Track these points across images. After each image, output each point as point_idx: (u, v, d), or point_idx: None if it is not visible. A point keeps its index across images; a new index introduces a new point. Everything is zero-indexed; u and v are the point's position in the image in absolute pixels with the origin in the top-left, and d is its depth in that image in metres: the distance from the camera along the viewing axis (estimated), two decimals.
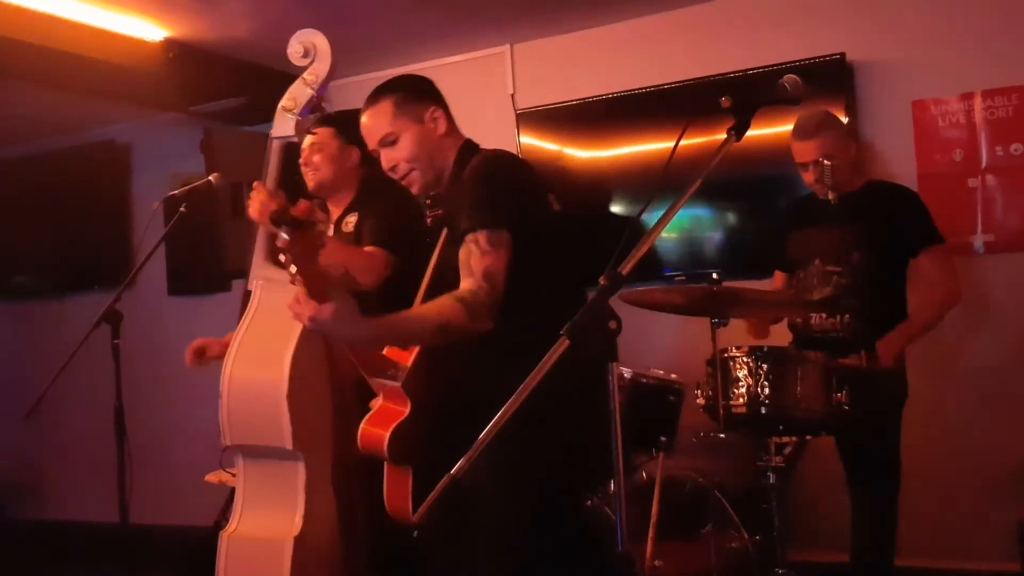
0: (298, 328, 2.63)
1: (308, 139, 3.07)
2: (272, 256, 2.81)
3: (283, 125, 2.75)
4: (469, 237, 1.94)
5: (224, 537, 2.65)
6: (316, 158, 3.04)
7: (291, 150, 2.82)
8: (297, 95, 2.74)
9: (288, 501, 2.62)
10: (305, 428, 2.58)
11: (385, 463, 2.07)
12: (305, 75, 2.73)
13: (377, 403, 2.08)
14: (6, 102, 5.22)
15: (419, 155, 2.20)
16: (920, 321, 3.09)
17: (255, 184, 2.77)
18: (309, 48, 2.72)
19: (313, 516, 2.63)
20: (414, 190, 2.26)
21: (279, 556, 2.55)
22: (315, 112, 2.84)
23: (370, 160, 3.08)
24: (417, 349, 2.07)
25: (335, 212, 3.13)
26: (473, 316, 1.84)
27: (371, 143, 2.25)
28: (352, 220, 3.03)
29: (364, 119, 2.25)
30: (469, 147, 2.25)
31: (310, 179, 3.06)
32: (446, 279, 2.05)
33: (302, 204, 1.68)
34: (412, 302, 3.11)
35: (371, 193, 3.05)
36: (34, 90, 4.89)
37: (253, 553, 2.62)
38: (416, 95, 2.25)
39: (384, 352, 2.08)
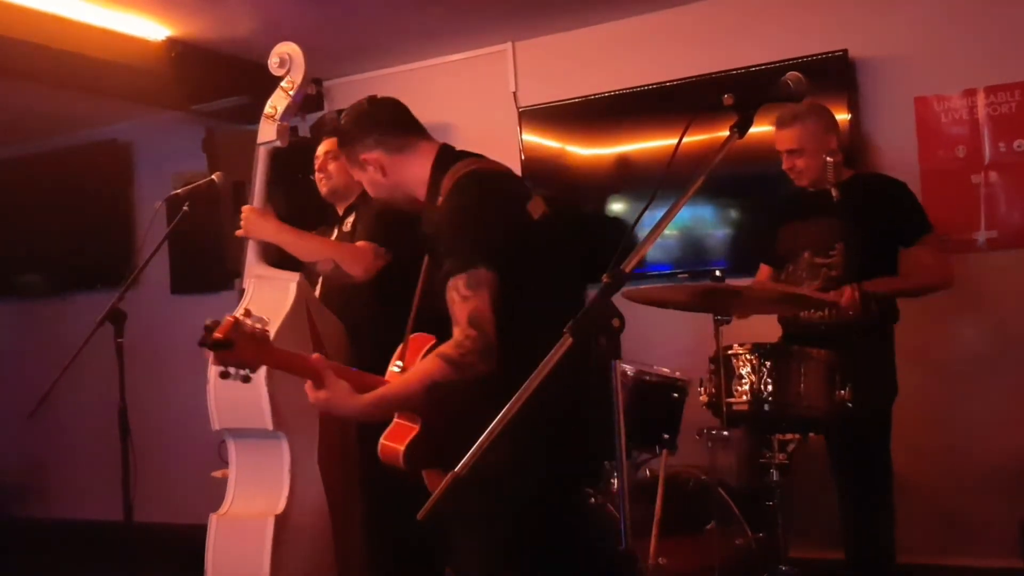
0: (280, 317, 2.76)
1: (322, 147, 3.25)
2: (264, 255, 2.97)
3: (267, 132, 2.93)
4: (449, 284, 1.90)
5: (213, 519, 2.72)
6: (331, 166, 3.23)
7: (277, 155, 2.96)
8: (277, 103, 2.92)
9: (274, 481, 2.72)
10: (286, 409, 2.68)
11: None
12: (283, 83, 2.90)
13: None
14: (8, 101, 5.23)
15: (377, 195, 2.24)
16: (908, 281, 3.11)
17: (244, 208, 2.95)
18: (285, 59, 2.89)
19: (298, 496, 2.71)
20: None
21: (261, 534, 2.64)
22: (294, 116, 3.09)
23: None
24: None
25: (341, 213, 3.29)
26: (461, 369, 1.82)
27: None
28: (350, 220, 3.19)
29: None
30: (443, 160, 2.15)
31: (323, 185, 3.25)
32: (434, 305, 2.04)
33: (230, 319, 1.82)
34: (407, 295, 3.18)
35: (368, 196, 3.13)
36: (36, 89, 4.89)
37: (238, 533, 2.71)
38: (351, 145, 2.22)
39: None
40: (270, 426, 2.67)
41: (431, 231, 2.06)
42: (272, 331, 2.67)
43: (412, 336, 2.19)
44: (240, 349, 1.84)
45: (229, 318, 1.84)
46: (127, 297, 3.27)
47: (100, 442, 4.02)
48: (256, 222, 2.92)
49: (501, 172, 2.13)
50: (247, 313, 1.88)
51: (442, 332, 2.00)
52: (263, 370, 2.61)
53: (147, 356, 4.41)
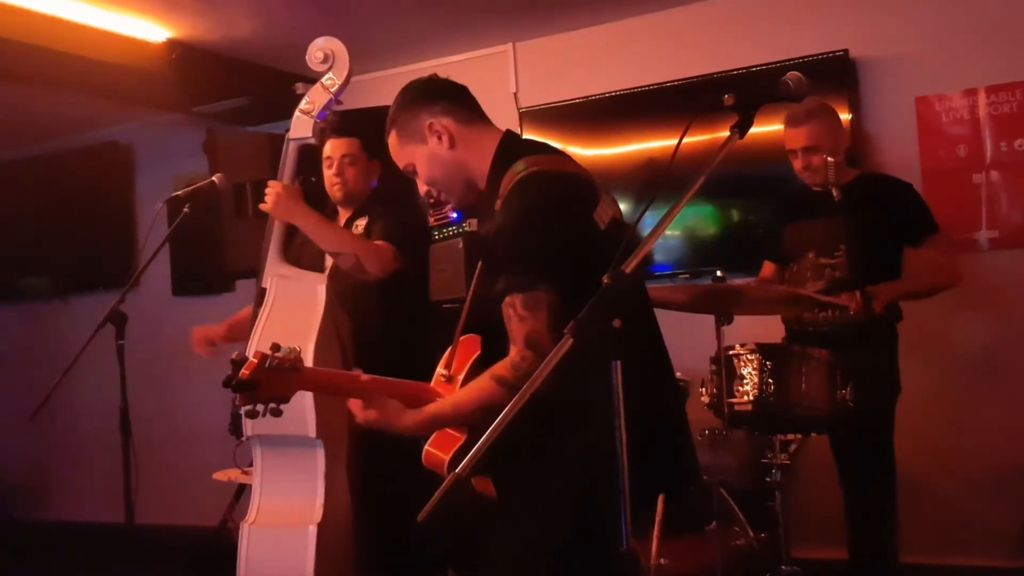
0: (317, 320, 2.72)
1: (337, 148, 3.15)
2: (285, 253, 2.90)
3: (301, 127, 2.83)
4: (506, 300, 1.79)
5: (245, 527, 2.67)
6: (349, 172, 3.15)
7: (305, 151, 2.89)
8: (315, 99, 2.82)
9: (307, 488, 2.67)
10: (326, 416, 2.64)
11: None
12: (324, 80, 2.81)
13: None
14: (9, 104, 5.23)
15: (434, 177, 1.99)
16: (914, 283, 3.10)
17: (274, 184, 2.84)
18: (328, 55, 2.79)
19: (331, 503, 2.68)
20: (452, 206, 2.14)
21: (303, 543, 2.60)
22: (328, 116, 2.91)
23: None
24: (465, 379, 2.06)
25: (344, 215, 3.24)
26: (516, 391, 1.63)
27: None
28: (361, 223, 3.15)
29: (390, 149, 2.08)
30: (507, 149, 1.95)
31: (338, 191, 3.17)
32: (482, 310, 1.98)
33: (255, 356, 1.76)
34: (417, 297, 3.17)
35: (380, 198, 3.19)
36: (37, 92, 4.90)
37: (276, 542, 2.66)
38: (413, 112, 1.98)
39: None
40: (312, 434, 2.62)
41: (488, 236, 1.94)
42: (311, 337, 2.67)
43: (462, 339, 2.10)
44: (268, 386, 1.78)
45: (254, 357, 1.77)
46: (128, 299, 3.27)
47: (101, 444, 4.03)
48: (286, 201, 2.83)
49: (567, 174, 1.92)
50: (275, 347, 1.80)
51: (488, 336, 1.96)
52: None
53: (148, 358, 4.42)
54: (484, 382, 1.83)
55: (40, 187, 6.13)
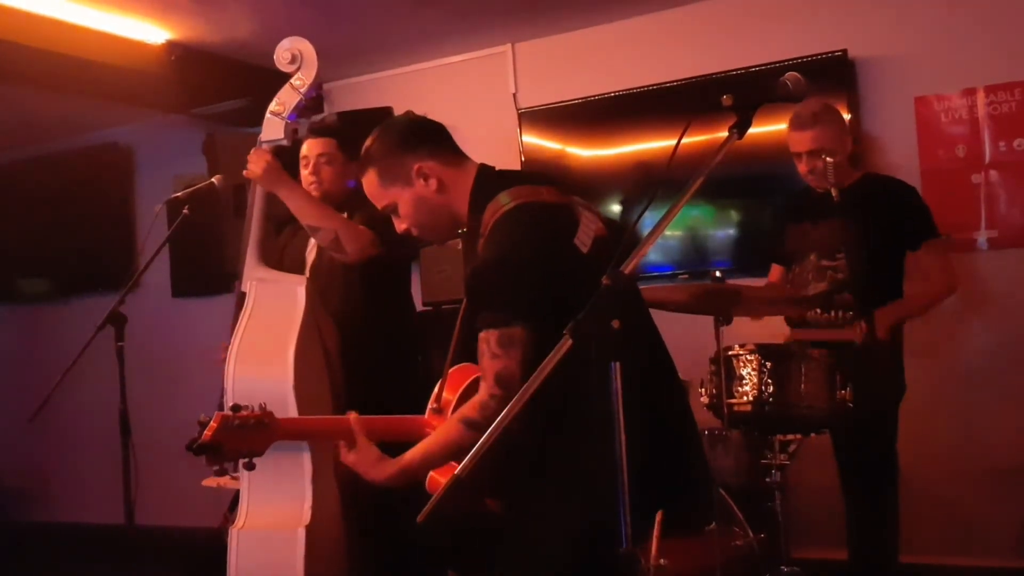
0: (297, 323, 2.72)
1: (313, 147, 3.12)
2: (264, 257, 2.93)
3: (272, 129, 2.86)
4: (481, 336, 1.79)
5: (233, 533, 2.67)
6: (325, 171, 3.11)
7: (279, 153, 2.89)
8: (285, 100, 2.84)
9: (295, 492, 2.67)
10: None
11: None
12: (293, 80, 2.84)
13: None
14: (9, 105, 5.23)
15: (418, 220, 2.01)
16: (915, 302, 3.12)
17: (257, 151, 2.85)
18: (296, 55, 2.83)
19: (319, 506, 2.68)
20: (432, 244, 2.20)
21: (292, 546, 2.60)
22: (301, 116, 2.95)
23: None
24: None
25: None
26: (483, 433, 1.60)
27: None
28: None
29: (363, 186, 2.09)
30: (482, 187, 1.95)
31: (314, 189, 3.12)
32: (469, 347, 1.98)
33: (215, 419, 1.82)
34: (400, 292, 3.08)
35: (358, 198, 3.15)
36: (37, 93, 4.90)
37: (265, 545, 2.66)
38: (397, 156, 1.97)
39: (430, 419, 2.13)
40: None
41: (470, 272, 1.93)
42: (292, 341, 2.68)
43: (452, 369, 2.12)
44: (234, 445, 1.83)
45: (215, 420, 1.82)
46: (128, 300, 3.27)
47: (101, 445, 4.02)
48: (271, 169, 2.80)
49: (545, 205, 1.90)
50: (236, 407, 1.86)
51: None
52: (290, 383, 2.65)
53: (148, 359, 4.41)
54: (452, 426, 1.85)
55: (40, 188, 6.12)
